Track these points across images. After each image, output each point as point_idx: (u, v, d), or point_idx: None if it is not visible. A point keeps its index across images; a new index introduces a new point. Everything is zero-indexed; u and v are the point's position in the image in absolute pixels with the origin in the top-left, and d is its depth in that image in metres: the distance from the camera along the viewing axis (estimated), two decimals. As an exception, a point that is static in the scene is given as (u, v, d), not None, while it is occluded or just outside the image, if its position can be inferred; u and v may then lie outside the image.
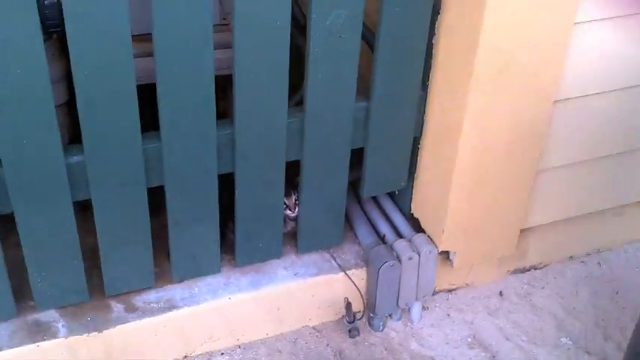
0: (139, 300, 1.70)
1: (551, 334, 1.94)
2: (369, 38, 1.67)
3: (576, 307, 2.02)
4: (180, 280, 1.75)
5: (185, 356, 1.77)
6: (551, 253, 2.11)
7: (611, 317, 1.99)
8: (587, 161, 1.89)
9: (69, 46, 1.35)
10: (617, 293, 2.06)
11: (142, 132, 1.50)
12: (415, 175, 1.86)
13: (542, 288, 2.07)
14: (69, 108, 1.61)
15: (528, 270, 2.11)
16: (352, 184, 1.90)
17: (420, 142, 1.80)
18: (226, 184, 1.66)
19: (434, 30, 1.65)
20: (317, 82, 1.58)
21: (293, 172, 1.73)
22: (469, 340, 1.91)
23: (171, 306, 1.70)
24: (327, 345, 1.85)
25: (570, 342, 1.92)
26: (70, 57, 1.36)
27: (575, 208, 2.01)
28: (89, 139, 1.46)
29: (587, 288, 2.08)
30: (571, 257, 2.15)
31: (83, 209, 1.59)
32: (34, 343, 1.59)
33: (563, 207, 1.98)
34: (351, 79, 1.61)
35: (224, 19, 1.73)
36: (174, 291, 1.73)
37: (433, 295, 1.98)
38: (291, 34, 1.52)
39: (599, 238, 2.16)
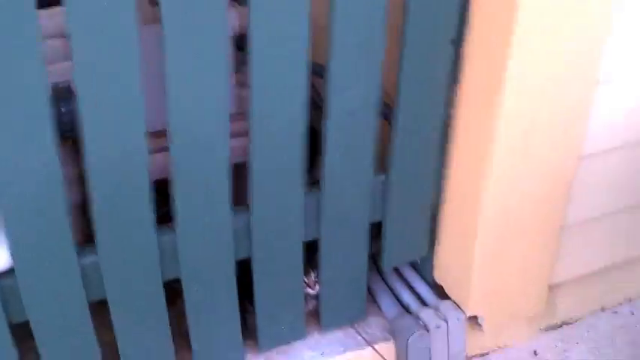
0: (163, 396, 1.66)
1: (593, 390, 1.88)
2: (385, 112, 1.65)
3: (615, 359, 1.95)
4: (205, 371, 1.71)
5: None
6: (581, 306, 2.06)
7: (652, 367, 1.93)
8: (613, 213, 1.85)
9: (83, 147, 1.33)
10: (654, 342, 2.00)
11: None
12: (436, 241, 1.81)
13: (577, 343, 2.01)
14: (83, 209, 1.59)
15: (560, 326, 2.04)
16: (373, 255, 1.86)
17: (441, 209, 1.77)
18: (243, 265, 1.63)
19: (453, 101, 1.62)
20: (333, 162, 1.56)
21: (311, 249, 1.69)
22: (508, 404, 1.85)
23: (197, 398, 1.65)
24: None
25: (615, 396, 1.86)
26: (84, 157, 1.34)
27: (603, 260, 1.95)
28: (102, 238, 1.43)
29: (624, 338, 2.02)
30: (602, 308, 2.09)
31: (100, 303, 1.55)
32: None
33: (590, 260, 1.93)
34: (368, 155, 1.59)
35: (240, 107, 1.71)
36: (198, 382, 1.69)
37: (465, 362, 1.93)
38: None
39: (629, 286, 2.10)
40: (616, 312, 2.09)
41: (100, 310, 1.55)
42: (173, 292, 1.60)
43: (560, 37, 1.48)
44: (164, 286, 1.55)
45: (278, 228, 1.59)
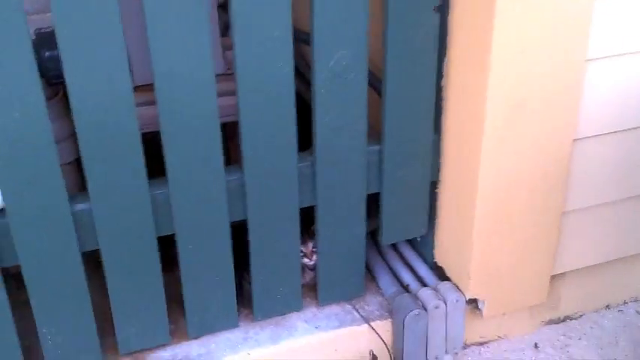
0: (154, 358, 1.64)
1: (592, 385, 1.83)
2: (375, 83, 1.65)
3: (617, 358, 1.90)
4: (197, 336, 1.69)
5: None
6: (586, 302, 2.02)
7: (656, 367, 1.88)
8: (615, 202, 1.83)
9: (69, 96, 1.35)
10: (659, 342, 1.96)
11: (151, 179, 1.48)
12: (435, 221, 1.80)
13: (579, 339, 1.97)
14: (78, 166, 1.59)
15: (563, 320, 2.00)
16: (372, 234, 1.84)
17: (438, 186, 1.76)
18: (242, 233, 1.62)
19: (442, 72, 1.63)
20: (325, 125, 1.56)
21: (309, 219, 1.68)
22: (505, 394, 1.81)
23: (187, 363, 1.64)
24: (356, 402, 1.76)
25: (614, 393, 1.81)
26: (71, 106, 1.36)
27: (607, 253, 1.92)
28: (95, 187, 1.43)
29: (627, 338, 1.97)
30: (607, 306, 2.05)
31: (97, 266, 1.55)
32: (44, 403, 1.53)
33: (593, 251, 1.90)
34: (360, 121, 1.59)
35: (229, 68, 1.72)
36: (190, 347, 1.67)
37: (464, 348, 1.88)
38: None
39: (636, 284, 2.06)
40: (621, 310, 2.05)
41: (98, 275, 1.55)
42: (170, 259, 1.60)
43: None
44: (161, 253, 1.55)
45: (272, 190, 1.58)
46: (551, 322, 1.99)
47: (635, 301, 2.07)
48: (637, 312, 2.05)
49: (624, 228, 1.89)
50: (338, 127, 1.57)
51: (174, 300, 1.65)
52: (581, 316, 2.02)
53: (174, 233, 1.54)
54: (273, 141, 1.53)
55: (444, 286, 1.78)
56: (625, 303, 2.07)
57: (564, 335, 1.98)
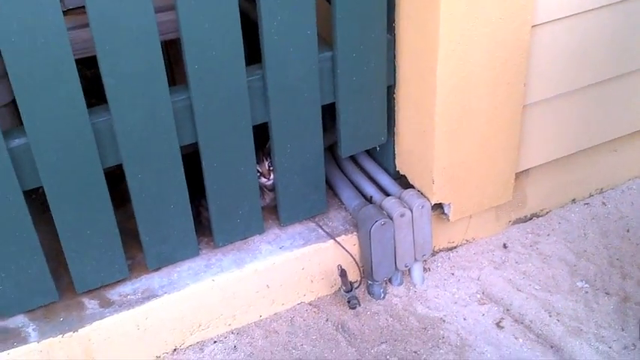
0: (114, 293, 1.58)
1: (564, 279, 1.81)
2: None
3: (587, 249, 1.89)
4: (157, 268, 1.62)
5: (175, 349, 1.64)
6: (551, 198, 1.99)
7: (626, 255, 1.87)
8: (575, 92, 1.78)
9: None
10: (627, 231, 1.94)
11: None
12: (395, 128, 1.74)
13: (548, 235, 1.95)
14: (15, 108, 1.50)
15: (530, 219, 1.98)
16: (330, 149, 1.78)
17: (395, 90, 1.69)
18: (196, 160, 1.55)
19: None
20: (272, 33, 1.47)
21: (264, 137, 1.61)
22: (478, 296, 1.78)
23: (150, 296, 1.57)
24: (327, 320, 1.72)
25: (587, 285, 1.79)
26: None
27: (570, 146, 1.89)
28: (30, 120, 1.34)
29: (596, 229, 1.96)
30: (573, 200, 2.03)
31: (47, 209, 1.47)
32: (4, 351, 1.45)
33: (556, 145, 1.86)
34: (309, 26, 1.50)
35: None
36: (151, 280, 1.61)
37: (433, 255, 1.86)
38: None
39: (599, 177, 2.04)
40: (587, 204, 2.03)
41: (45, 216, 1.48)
42: (121, 194, 1.53)
43: None
44: (111, 189, 1.48)
45: (222, 110, 1.50)
46: (518, 221, 1.97)
47: (601, 192, 2.06)
48: (603, 203, 2.03)
49: (585, 119, 1.85)
50: (286, 33, 1.48)
51: (131, 235, 1.58)
52: (547, 212, 2.00)
53: (121, 164, 1.47)
54: (219, 55, 1.44)
55: (407, 193, 1.74)
56: (591, 196, 2.05)
57: (532, 233, 1.96)
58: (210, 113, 1.49)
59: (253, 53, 1.50)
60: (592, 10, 1.66)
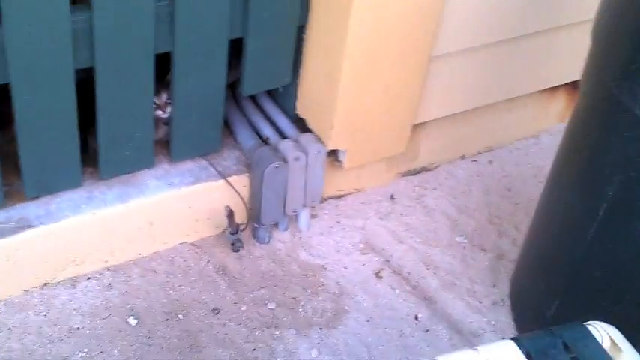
0: (-16, 221, 1.46)
1: (445, 234, 1.85)
2: None
3: (469, 206, 1.93)
4: (35, 197, 1.51)
5: (45, 283, 1.54)
6: (441, 153, 2.00)
7: (505, 214, 1.92)
8: (481, 47, 1.76)
9: None
10: (509, 190, 1.99)
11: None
12: (300, 70, 1.67)
13: (434, 189, 1.97)
14: None
15: (419, 172, 1.99)
16: (230, 87, 1.69)
17: (305, 31, 1.61)
18: (89, 84, 1.43)
19: None
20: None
21: (163, 67, 1.51)
22: (361, 245, 1.79)
23: (24, 225, 1.46)
24: (209, 261, 1.68)
25: (465, 240, 1.83)
26: None
27: (467, 101, 1.88)
28: None
29: (480, 187, 1.99)
30: (462, 156, 2.05)
31: None
32: None
33: (454, 100, 1.86)
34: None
35: None
36: (27, 209, 1.49)
37: (321, 202, 1.83)
38: None
39: (490, 135, 2.06)
40: (475, 161, 2.06)
41: None
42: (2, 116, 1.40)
43: None
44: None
45: (124, 33, 1.38)
46: (407, 173, 1.97)
47: (489, 151, 2.09)
48: (490, 162, 2.07)
49: (487, 76, 1.85)
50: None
51: (10, 160, 1.46)
52: (436, 167, 2.01)
53: (8, 82, 1.33)
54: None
55: (305, 137, 1.69)
56: (479, 153, 2.08)
57: (419, 186, 1.97)
58: (111, 37, 1.37)
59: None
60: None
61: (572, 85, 2.08)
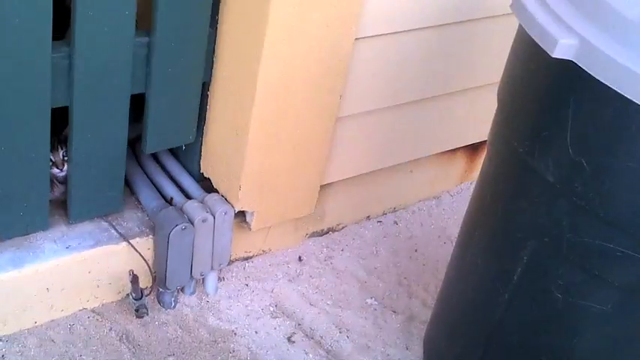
0: None
1: (355, 296, 1.81)
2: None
3: (378, 267, 1.91)
4: None
5: None
6: (348, 213, 1.99)
7: (413, 275, 1.91)
8: (386, 109, 1.78)
9: None
10: (415, 251, 1.99)
11: None
12: (204, 127, 1.64)
13: (342, 250, 1.94)
14: None
15: (327, 233, 1.97)
16: (131, 143, 1.63)
17: (210, 88, 1.59)
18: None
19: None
20: (86, 7, 1.31)
21: (61, 122, 1.44)
22: (271, 309, 1.73)
23: None
24: (111, 329, 1.57)
25: (376, 302, 1.81)
26: None
27: (372, 163, 1.89)
28: None
29: (387, 247, 1.98)
30: (368, 217, 2.05)
31: None
32: None
33: (359, 161, 1.86)
34: (128, 5, 1.35)
35: None
36: None
37: (229, 264, 1.77)
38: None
39: (393, 196, 2.07)
40: (380, 221, 2.06)
41: None
42: None
43: None
44: None
45: (18, 87, 1.31)
46: (315, 234, 1.94)
47: (393, 211, 2.09)
48: (395, 222, 2.07)
49: (390, 137, 1.87)
50: (101, 9, 1.32)
51: None
52: (343, 227, 2.00)
53: None
54: (23, 25, 1.25)
55: (211, 198, 1.64)
56: (384, 214, 2.08)
57: (327, 247, 1.94)
58: (7, 89, 1.30)
59: (63, 29, 1.33)
60: (414, 29, 1.66)
61: (472, 147, 2.13)
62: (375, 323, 1.76)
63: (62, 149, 1.48)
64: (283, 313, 1.73)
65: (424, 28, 1.68)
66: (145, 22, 1.44)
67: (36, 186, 1.45)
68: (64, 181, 1.51)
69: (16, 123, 1.35)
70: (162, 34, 1.43)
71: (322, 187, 1.81)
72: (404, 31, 1.66)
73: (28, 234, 1.51)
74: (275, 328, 1.69)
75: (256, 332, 1.67)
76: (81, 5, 1.30)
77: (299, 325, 1.71)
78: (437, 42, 1.75)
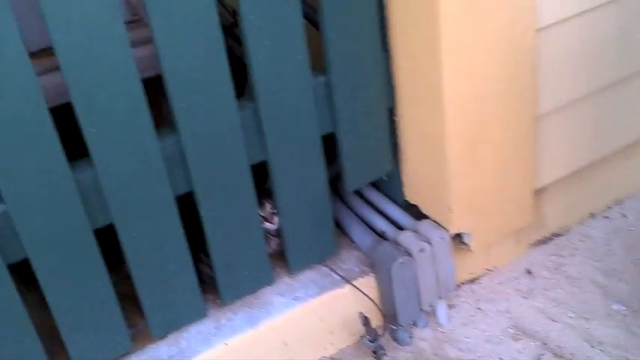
0: (118, 371, 1.40)
1: (599, 303, 1.66)
2: (309, 14, 1.44)
3: (616, 267, 1.75)
4: (162, 336, 1.45)
5: None
6: (569, 215, 1.86)
7: (657, 269, 1.74)
8: (587, 97, 1.67)
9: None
10: (653, 242, 1.82)
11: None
12: (400, 154, 1.61)
13: (572, 255, 1.81)
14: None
15: (551, 239, 1.84)
16: (332, 184, 1.63)
17: (397, 112, 1.56)
18: (191, 213, 1.39)
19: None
20: (260, 61, 1.34)
21: (262, 177, 1.46)
22: (511, 331, 1.62)
23: (159, 368, 1.40)
24: (354, 373, 1.56)
25: (623, 307, 1.64)
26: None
27: (586, 156, 1.77)
28: (5, 184, 1.18)
29: (621, 244, 1.82)
30: (592, 215, 1.90)
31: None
32: None
33: (570, 157, 1.74)
34: (299, 50, 1.37)
35: (134, 14, 1.48)
36: (158, 350, 1.43)
37: (455, 290, 1.70)
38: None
39: (614, 187, 1.92)
40: (607, 217, 1.90)
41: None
42: (115, 258, 1.37)
43: None
44: (105, 253, 1.32)
45: (216, 150, 1.36)
46: (538, 243, 1.83)
47: (618, 203, 1.93)
48: (623, 215, 1.91)
49: (599, 125, 1.74)
50: (275, 60, 1.35)
51: (129, 299, 1.41)
52: (567, 230, 1.87)
53: (112, 223, 1.31)
54: (207, 90, 1.30)
55: (423, 225, 1.59)
56: (609, 208, 1.92)
57: (555, 254, 1.82)
58: (203, 157, 1.35)
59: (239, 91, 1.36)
60: (599, 6, 1.55)
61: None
62: (629, 331, 1.59)
63: (268, 203, 1.51)
64: (525, 333, 1.62)
65: (602, 5, 1.57)
66: (317, 62, 1.44)
67: (253, 243, 1.48)
68: (277, 233, 1.54)
69: (221, 186, 1.39)
70: (337, 70, 1.43)
71: (536, 191, 1.71)
72: (589, 9, 1.55)
73: (255, 291, 1.54)
74: (520, 352, 1.58)
75: (501, 358, 1.57)
76: (255, 59, 1.33)
77: (545, 344, 1.59)
78: (632, 11, 1.61)
